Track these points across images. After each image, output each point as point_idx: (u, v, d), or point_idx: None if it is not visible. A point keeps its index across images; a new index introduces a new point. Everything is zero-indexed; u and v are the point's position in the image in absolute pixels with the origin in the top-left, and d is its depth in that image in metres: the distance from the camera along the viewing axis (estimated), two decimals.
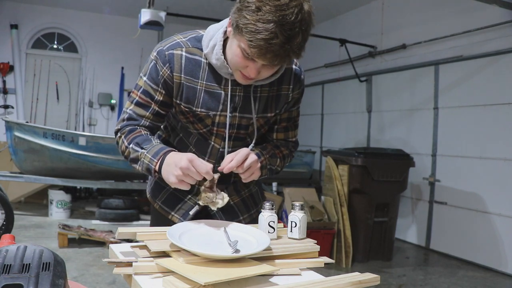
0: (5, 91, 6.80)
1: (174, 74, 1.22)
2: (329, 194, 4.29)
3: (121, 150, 1.28)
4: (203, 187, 1.17)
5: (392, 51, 5.46)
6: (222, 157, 1.31)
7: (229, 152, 1.30)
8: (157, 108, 1.26)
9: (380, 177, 4.11)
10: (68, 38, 7.34)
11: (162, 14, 4.31)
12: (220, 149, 1.31)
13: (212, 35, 1.21)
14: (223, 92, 1.23)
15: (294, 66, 1.31)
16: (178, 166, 1.09)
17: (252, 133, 1.31)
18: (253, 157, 1.20)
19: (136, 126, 1.27)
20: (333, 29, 6.46)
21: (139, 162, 1.21)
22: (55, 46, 7.32)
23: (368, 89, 5.89)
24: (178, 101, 1.25)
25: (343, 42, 5.75)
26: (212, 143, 1.30)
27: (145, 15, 4.26)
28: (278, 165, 1.34)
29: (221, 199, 1.14)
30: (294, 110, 1.37)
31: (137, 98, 1.26)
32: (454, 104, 4.58)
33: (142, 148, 1.21)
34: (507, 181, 3.98)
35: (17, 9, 6.89)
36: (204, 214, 1.37)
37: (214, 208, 1.15)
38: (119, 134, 1.28)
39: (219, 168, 1.17)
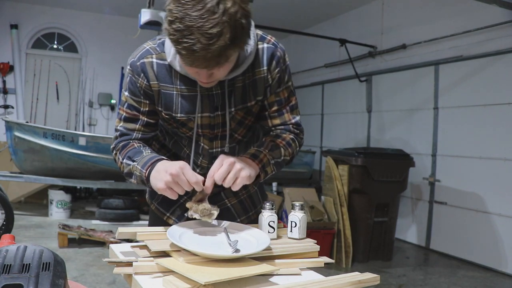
0: (5, 91, 6.80)
1: (151, 83, 1.19)
2: (329, 194, 4.29)
3: (118, 167, 1.27)
4: (193, 202, 1.12)
5: (392, 51, 5.46)
6: (214, 158, 1.29)
7: (218, 152, 1.28)
8: (145, 119, 1.24)
9: (380, 177, 4.11)
10: (68, 38, 7.34)
11: (162, 14, 4.30)
12: (209, 150, 1.28)
13: None
14: (198, 93, 1.19)
15: (265, 44, 1.20)
16: (169, 172, 1.05)
17: (236, 129, 1.27)
18: (228, 161, 1.09)
19: (129, 141, 1.25)
20: (333, 29, 6.47)
21: (133, 175, 1.19)
22: (55, 46, 7.32)
23: (368, 89, 5.89)
24: (159, 109, 1.23)
25: (343, 42, 5.75)
26: (202, 144, 1.28)
27: (145, 15, 4.26)
28: (284, 154, 1.24)
29: (216, 211, 1.12)
30: (281, 91, 1.25)
31: (124, 113, 1.25)
32: (454, 104, 4.58)
33: (133, 161, 1.19)
34: (507, 181, 3.98)
35: (17, 9, 6.89)
36: None
37: (209, 221, 1.11)
38: (114, 152, 1.27)
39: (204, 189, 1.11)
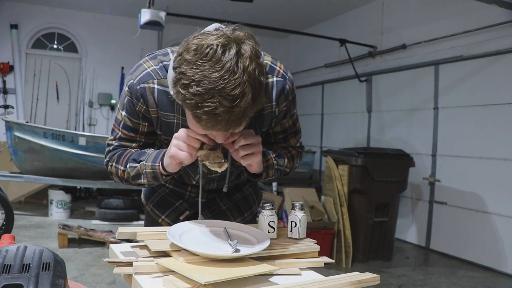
0: (5, 91, 6.80)
1: (150, 109, 1.14)
2: (329, 194, 4.29)
3: (119, 177, 1.21)
4: (205, 148, 1.08)
5: (392, 51, 5.46)
6: (211, 180, 1.29)
7: (216, 177, 1.28)
8: (143, 139, 1.21)
9: (380, 177, 4.11)
10: (68, 38, 7.34)
11: (162, 14, 4.30)
12: (208, 175, 1.27)
13: None
14: None
15: (275, 78, 1.14)
16: (174, 137, 1.06)
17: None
18: (256, 137, 1.08)
19: (126, 149, 1.22)
20: (333, 29, 6.47)
21: (142, 175, 1.15)
22: (55, 46, 7.32)
23: (368, 89, 5.89)
24: (158, 132, 1.20)
25: (343, 42, 5.75)
26: (200, 167, 1.25)
27: (145, 15, 4.26)
28: (287, 165, 1.26)
29: (227, 163, 1.09)
30: (286, 121, 1.24)
31: (120, 133, 1.21)
32: (454, 104, 4.58)
33: (139, 162, 1.15)
34: (507, 181, 3.98)
35: (17, 9, 6.89)
36: (195, 219, 1.35)
37: (219, 170, 1.08)
38: (110, 164, 1.23)
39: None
